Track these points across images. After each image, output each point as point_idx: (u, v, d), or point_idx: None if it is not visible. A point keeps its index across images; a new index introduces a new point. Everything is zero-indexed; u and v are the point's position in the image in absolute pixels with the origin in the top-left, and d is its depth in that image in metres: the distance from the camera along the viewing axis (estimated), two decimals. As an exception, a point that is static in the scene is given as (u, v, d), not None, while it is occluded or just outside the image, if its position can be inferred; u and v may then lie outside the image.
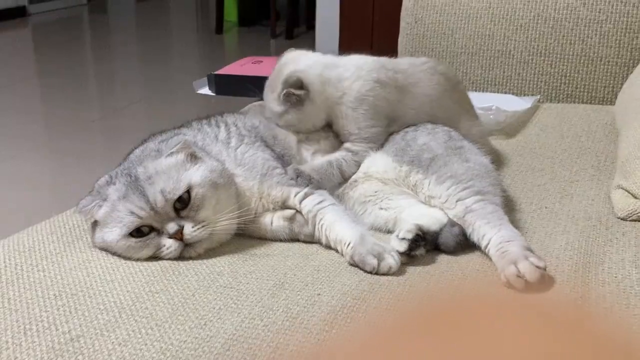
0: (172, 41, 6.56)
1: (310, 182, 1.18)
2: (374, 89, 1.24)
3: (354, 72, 1.25)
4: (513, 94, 1.89)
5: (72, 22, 7.26)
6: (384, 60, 1.31)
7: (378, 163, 1.22)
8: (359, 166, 1.24)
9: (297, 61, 1.27)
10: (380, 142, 1.25)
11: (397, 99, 1.27)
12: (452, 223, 1.11)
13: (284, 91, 1.21)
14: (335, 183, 1.22)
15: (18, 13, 6.82)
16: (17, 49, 6.03)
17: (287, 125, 1.25)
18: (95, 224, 1.08)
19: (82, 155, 3.42)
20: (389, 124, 1.27)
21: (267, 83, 1.28)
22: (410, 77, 1.31)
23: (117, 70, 5.42)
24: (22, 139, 3.62)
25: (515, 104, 1.74)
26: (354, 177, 1.23)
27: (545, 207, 1.24)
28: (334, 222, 1.10)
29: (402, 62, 1.35)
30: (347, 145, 1.25)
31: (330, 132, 1.28)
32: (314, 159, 1.24)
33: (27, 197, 2.91)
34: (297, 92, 1.21)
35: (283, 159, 1.22)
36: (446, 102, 1.35)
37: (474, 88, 1.93)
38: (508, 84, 1.93)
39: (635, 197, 1.19)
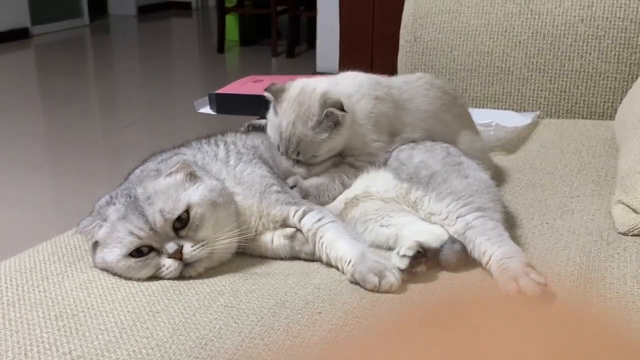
0: (174, 60, 6.61)
1: (307, 196, 1.18)
2: (375, 106, 1.25)
3: (358, 90, 1.25)
4: (513, 110, 1.90)
5: (75, 42, 7.32)
6: (377, 77, 1.31)
7: (379, 182, 1.22)
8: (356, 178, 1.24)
9: (317, 85, 1.21)
10: (380, 158, 1.25)
11: (394, 114, 1.28)
12: (452, 240, 1.11)
13: (326, 111, 1.16)
14: (334, 198, 1.22)
15: (21, 34, 6.87)
16: (20, 70, 6.08)
17: (328, 151, 1.20)
18: (95, 244, 1.08)
19: (85, 174, 3.43)
20: (391, 139, 1.27)
21: (294, 117, 1.18)
22: (405, 93, 1.31)
23: (119, 90, 5.45)
24: (25, 159, 3.64)
25: (515, 120, 1.74)
26: (355, 194, 1.23)
27: (546, 223, 1.24)
28: (334, 240, 1.10)
29: (396, 79, 1.36)
30: (349, 160, 1.25)
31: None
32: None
33: (31, 216, 2.92)
34: (341, 112, 1.17)
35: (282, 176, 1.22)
36: (444, 116, 1.35)
37: (474, 104, 1.94)
38: (508, 100, 1.93)
39: (636, 212, 1.19)
